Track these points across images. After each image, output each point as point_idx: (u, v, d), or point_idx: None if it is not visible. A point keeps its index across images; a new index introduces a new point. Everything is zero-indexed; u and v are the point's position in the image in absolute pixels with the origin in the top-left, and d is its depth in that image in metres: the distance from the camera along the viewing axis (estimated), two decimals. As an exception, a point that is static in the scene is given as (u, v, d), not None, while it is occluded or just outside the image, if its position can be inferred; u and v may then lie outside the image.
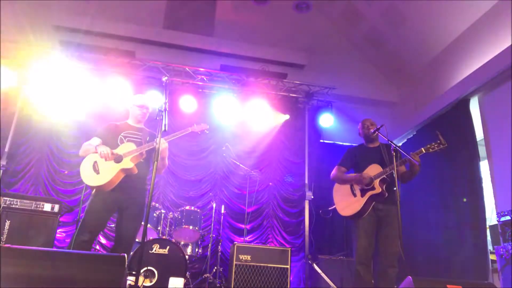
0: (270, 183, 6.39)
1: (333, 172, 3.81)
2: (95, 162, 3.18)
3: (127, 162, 3.18)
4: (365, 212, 3.48)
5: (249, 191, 5.79)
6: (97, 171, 3.15)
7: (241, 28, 7.16)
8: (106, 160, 3.14)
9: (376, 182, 3.51)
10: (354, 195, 3.59)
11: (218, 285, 4.84)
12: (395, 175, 3.26)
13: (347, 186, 3.67)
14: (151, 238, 4.34)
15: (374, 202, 3.52)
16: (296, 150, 6.74)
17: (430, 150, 3.35)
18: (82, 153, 3.32)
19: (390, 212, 3.51)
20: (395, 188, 3.66)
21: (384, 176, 3.50)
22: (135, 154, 3.22)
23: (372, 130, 3.67)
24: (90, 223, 3.11)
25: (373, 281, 3.55)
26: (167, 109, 2.94)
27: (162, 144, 2.88)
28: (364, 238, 3.45)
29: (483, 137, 5.20)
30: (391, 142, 3.48)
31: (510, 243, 3.83)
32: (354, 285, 3.48)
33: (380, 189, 3.49)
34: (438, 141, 3.33)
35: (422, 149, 3.38)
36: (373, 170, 3.58)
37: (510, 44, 4.63)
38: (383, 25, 6.67)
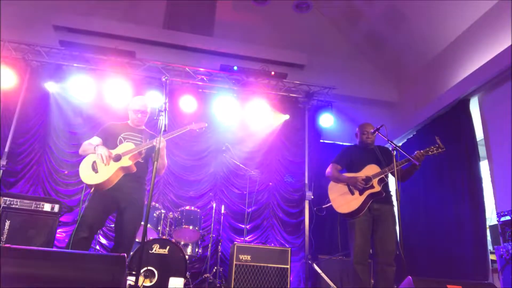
0: (270, 183, 6.39)
1: (329, 169, 3.82)
2: (94, 162, 3.19)
3: (125, 160, 3.19)
4: (362, 211, 3.50)
5: (249, 191, 5.79)
6: (96, 170, 3.16)
7: (241, 28, 7.17)
8: (104, 161, 3.15)
9: (375, 181, 3.53)
10: (352, 193, 3.60)
11: (218, 285, 4.84)
12: (395, 174, 3.29)
13: (344, 184, 3.67)
14: (151, 238, 4.34)
15: (370, 202, 3.54)
16: (296, 150, 6.74)
17: (429, 153, 3.44)
18: (82, 152, 3.33)
19: (384, 211, 3.54)
20: (390, 190, 3.70)
21: (383, 175, 3.53)
22: (133, 153, 3.23)
23: (372, 131, 3.70)
24: (89, 220, 3.11)
25: (372, 280, 3.55)
26: (167, 109, 2.94)
27: (161, 142, 2.89)
28: (360, 238, 3.45)
29: (483, 137, 5.20)
30: (391, 142, 3.49)
31: (510, 243, 3.83)
32: (352, 285, 3.48)
33: (379, 188, 3.51)
34: (437, 145, 3.43)
35: (422, 151, 3.42)
36: (371, 170, 3.61)
37: (510, 44, 4.63)
38: (383, 25, 6.67)
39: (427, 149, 3.45)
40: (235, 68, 6.46)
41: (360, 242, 3.44)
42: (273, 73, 6.52)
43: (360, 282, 3.37)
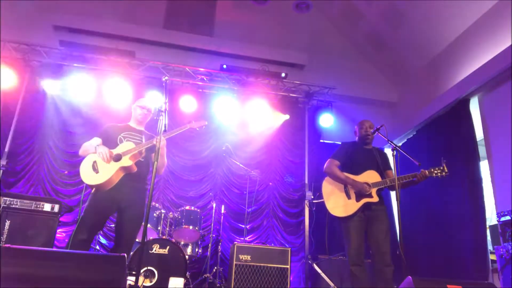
0: (270, 183, 6.39)
1: (327, 165, 3.73)
2: (95, 161, 3.19)
3: (126, 160, 3.19)
4: (355, 215, 3.48)
5: (249, 191, 5.79)
6: (97, 170, 3.15)
7: (241, 28, 7.17)
8: (105, 159, 3.15)
9: (374, 191, 3.51)
10: (349, 197, 3.54)
11: (218, 285, 4.84)
12: (396, 188, 3.27)
13: (341, 184, 3.62)
14: (151, 238, 4.34)
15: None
16: (296, 150, 6.74)
17: (433, 175, 3.44)
18: (82, 153, 3.33)
19: (378, 211, 3.52)
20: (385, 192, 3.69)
21: (383, 186, 3.52)
22: (133, 152, 3.22)
23: (372, 131, 3.67)
24: (89, 222, 3.10)
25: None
26: (167, 109, 2.94)
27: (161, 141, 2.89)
28: (355, 239, 3.43)
29: (483, 137, 5.20)
30: (391, 142, 3.48)
31: (510, 243, 3.84)
32: (351, 286, 3.48)
33: (377, 199, 3.49)
34: (442, 168, 3.44)
35: (426, 171, 3.43)
36: (371, 177, 3.56)
37: (510, 44, 4.63)
38: (383, 25, 6.67)
39: (432, 170, 3.44)
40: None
41: (356, 244, 3.42)
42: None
43: (358, 283, 3.37)
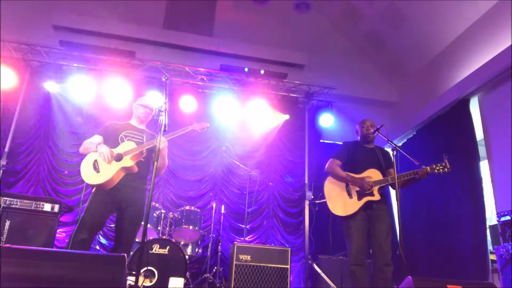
0: (270, 183, 6.39)
1: (329, 164, 3.72)
2: (95, 160, 3.18)
3: (127, 160, 3.18)
4: (358, 214, 3.48)
5: (249, 191, 5.79)
6: (97, 169, 3.15)
7: (241, 28, 7.17)
8: (106, 160, 3.15)
9: (376, 189, 3.50)
10: (350, 196, 3.54)
11: (218, 285, 4.84)
12: (396, 186, 3.27)
13: (342, 184, 3.62)
14: (151, 238, 4.34)
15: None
16: (296, 150, 6.74)
17: (435, 171, 3.41)
18: (83, 151, 3.32)
19: (380, 211, 3.52)
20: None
21: (385, 184, 3.52)
22: (135, 152, 3.22)
23: (372, 130, 3.67)
24: (89, 222, 3.09)
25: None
26: (167, 109, 2.94)
27: (162, 142, 2.87)
28: (357, 238, 3.42)
29: (483, 137, 5.20)
30: (391, 142, 3.48)
31: (510, 243, 3.84)
32: (351, 286, 3.47)
33: (379, 197, 3.49)
34: (444, 164, 3.40)
35: (428, 168, 3.41)
36: (372, 175, 3.56)
37: (510, 44, 4.63)
38: (383, 25, 6.67)
39: (434, 166, 3.41)
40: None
41: (357, 243, 3.41)
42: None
43: (358, 283, 3.36)
